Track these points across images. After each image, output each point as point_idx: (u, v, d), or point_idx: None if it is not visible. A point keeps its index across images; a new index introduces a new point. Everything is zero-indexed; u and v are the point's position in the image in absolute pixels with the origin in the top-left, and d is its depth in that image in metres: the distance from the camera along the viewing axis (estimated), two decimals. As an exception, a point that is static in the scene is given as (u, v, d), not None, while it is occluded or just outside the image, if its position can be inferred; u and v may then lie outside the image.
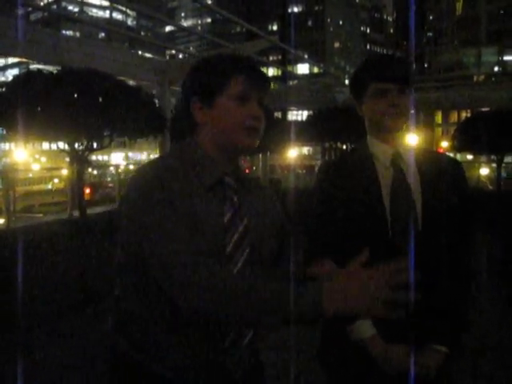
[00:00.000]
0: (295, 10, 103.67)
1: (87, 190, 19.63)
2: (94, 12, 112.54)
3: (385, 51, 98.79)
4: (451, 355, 2.06)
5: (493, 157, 15.68)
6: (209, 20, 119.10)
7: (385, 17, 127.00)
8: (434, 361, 2.03)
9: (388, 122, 2.07)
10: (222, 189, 1.70)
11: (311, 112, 20.15)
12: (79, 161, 9.44)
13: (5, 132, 9.66)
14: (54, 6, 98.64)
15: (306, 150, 46.09)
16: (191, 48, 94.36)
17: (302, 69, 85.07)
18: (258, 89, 1.71)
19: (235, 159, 1.78)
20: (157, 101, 11.02)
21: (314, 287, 1.41)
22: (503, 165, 16.23)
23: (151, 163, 1.72)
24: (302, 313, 1.40)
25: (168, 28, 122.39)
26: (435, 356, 2.04)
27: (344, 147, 18.19)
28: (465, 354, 2.17)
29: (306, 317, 1.40)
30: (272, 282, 1.46)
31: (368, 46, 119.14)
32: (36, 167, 39.98)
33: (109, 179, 29.82)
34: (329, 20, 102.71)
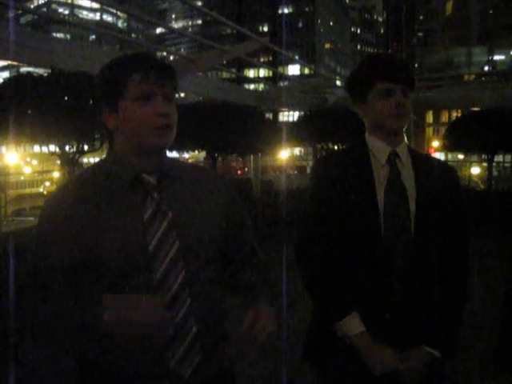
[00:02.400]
0: (286, 11, 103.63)
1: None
2: (85, 14, 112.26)
3: (375, 51, 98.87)
4: (442, 358, 2.05)
5: (484, 156, 15.74)
6: (199, 22, 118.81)
7: (375, 17, 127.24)
8: (424, 363, 2.02)
9: (392, 122, 2.08)
10: (141, 187, 1.69)
11: (302, 113, 20.14)
12: (70, 163, 9.41)
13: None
14: (44, 9, 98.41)
15: (297, 150, 46.09)
16: (182, 50, 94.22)
17: (293, 70, 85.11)
18: (159, 85, 1.67)
19: (156, 157, 1.73)
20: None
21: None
22: (494, 164, 16.30)
23: (64, 184, 1.81)
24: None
25: (158, 30, 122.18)
26: (425, 358, 2.03)
27: (335, 148, 18.20)
28: (456, 357, 2.16)
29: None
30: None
31: (358, 47, 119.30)
32: (27, 170, 39.78)
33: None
34: (319, 21, 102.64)
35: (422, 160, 2.16)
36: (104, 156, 1.82)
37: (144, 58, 1.71)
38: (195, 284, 1.71)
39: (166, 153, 1.81)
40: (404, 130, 2.15)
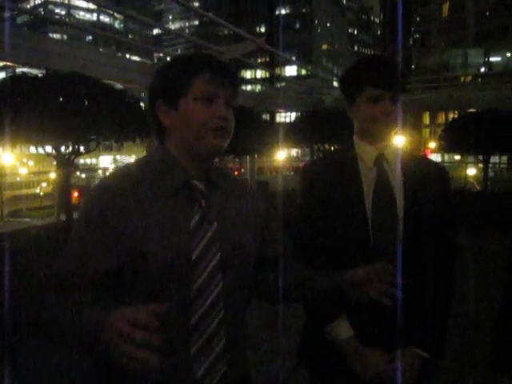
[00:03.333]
0: (283, 11, 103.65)
1: (75, 194, 19.56)
2: (81, 15, 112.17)
3: (372, 52, 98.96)
4: (431, 360, 2.06)
5: (480, 157, 15.78)
6: (196, 22, 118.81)
7: (372, 18, 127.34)
8: (413, 364, 2.03)
9: (378, 128, 2.06)
10: (190, 192, 1.66)
11: (299, 114, 20.16)
12: (66, 164, 9.41)
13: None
14: (41, 9, 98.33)
15: (294, 151, 46.12)
16: (179, 51, 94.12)
17: (290, 71, 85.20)
18: (223, 88, 1.66)
19: (206, 162, 1.71)
20: (143, 104, 11.00)
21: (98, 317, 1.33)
22: (490, 165, 16.33)
23: (111, 174, 1.73)
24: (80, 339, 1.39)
25: (155, 31, 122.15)
26: (414, 359, 2.03)
27: (332, 149, 18.22)
28: (445, 358, 2.16)
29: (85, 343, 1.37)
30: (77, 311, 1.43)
31: (356, 48, 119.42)
32: (23, 171, 39.72)
33: (97, 182, 29.73)
34: (316, 22, 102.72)
35: (411, 161, 2.14)
36: (149, 153, 1.76)
37: (211, 59, 1.69)
38: (231, 296, 1.68)
39: (213, 161, 1.78)
40: (397, 131, 2.13)
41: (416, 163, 2.14)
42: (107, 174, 1.74)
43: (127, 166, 1.74)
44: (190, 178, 1.66)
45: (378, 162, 2.10)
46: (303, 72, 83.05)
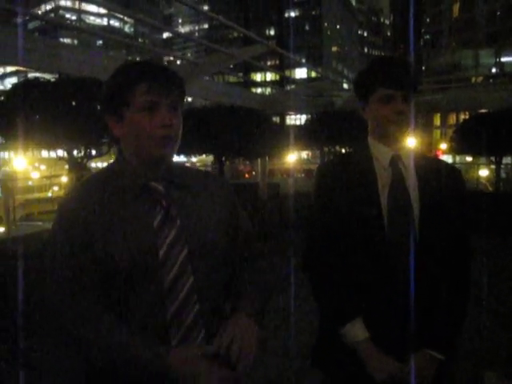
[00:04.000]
0: (292, 14, 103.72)
1: (87, 198, 19.63)
2: (92, 20, 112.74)
3: (382, 54, 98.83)
4: (445, 361, 2.05)
5: (492, 158, 15.69)
6: (206, 26, 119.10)
7: (382, 20, 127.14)
8: (428, 367, 2.02)
9: (392, 128, 2.07)
10: (150, 195, 1.72)
11: (309, 116, 20.13)
12: (78, 168, 9.44)
13: (4, 141, 9.66)
14: (52, 15, 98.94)
15: (304, 154, 46.05)
16: (189, 54, 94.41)
17: (300, 73, 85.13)
18: (165, 94, 1.67)
19: (163, 165, 1.75)
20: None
21: (162, 357, 1.57)
22: (502, 166, 16.24)
23: (74, 188, 1.85)
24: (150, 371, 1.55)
25: (165, 34, 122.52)
26: (429, 362, 2.02)
27: (343, 151, 18.19)
28: (458, 360, 2.16)
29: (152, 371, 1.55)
30: (131, 342, 1.58)
31: (366, 50, 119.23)
32: (35, 175, 39.90)
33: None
34: (326, 24, 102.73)
35: (425, 163, 2.15)
36: (111, 161, 1.83)
37: (149, 67, 1.71)
38: (203, 289, 1.73)
39: (172, 160, 1.82)
40: (408, 133, 2.14)
41: (431, 164, 2.15)
42: (72, 187, 1.84)
43: (88, 179, 1.82)
44: (148, 181, 1.71)
45: (394, 163, 2.10)
46: (313, 74, 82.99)
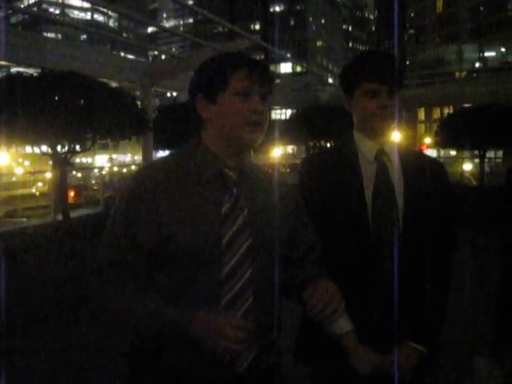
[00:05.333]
0: (277, 9, 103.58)
1: (71, 193, 19.53)
2: (76, 14, 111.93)
3: (367, 49, 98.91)
4: (428, 354, 2.05)
5: (475, 152, 15.79)
6: (191, 20, 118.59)
7: (366, 15, 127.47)
8: (411, 359, 2.02)
9: (376, 122, 2.07)
10: (222, 181, 1.75)
11: (295, 111, 20.16)
12: (62, 164, 9.38)
13: (-14, 136, 9.57)
14: (35, 8, 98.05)
15: (290, 148, 46.11)
16: (173, 49, 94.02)
17: (285, 68, 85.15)
18: (259, 84, 1.74)
19: (240, 153, 1.80)
20: (139, 102, 10.98)
21: (185, 316, 1.62)
22: (486, 160, 16.36)
23: (149, 164, 1.93)
24: (172, 331, 1.64)
25: (150, 29, 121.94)
26: (412, 354, 2.03)
27: (328, 145, 18.22)
28: (441, 352, 2.17)
29: (174, 333, 1.64)
30: (155, 304, 1.66)
31: (350, 44, 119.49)
32: (19, 171, 39.62)
33: (93, 181, 29.59)
34: (311, 19, 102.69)
35: (410, 157, 2.16)
36: (188, 145, 1.86)
37: (248, 57, 1.79)
38: (259, 283, 1.75)
39: (248, 154, 1.88)
40: (392, 127, 2.13)
41: (415, 158, 2.16)
42: (146, 164, 1.86)
43: (164, 157, 1.90)
44: (222, 167, 1.75)
45: (378, 157, 2.10)
46: (298, 69, 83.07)
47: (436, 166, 2.19)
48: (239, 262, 1.70)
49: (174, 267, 1.68)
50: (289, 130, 17.62)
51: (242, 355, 1.70)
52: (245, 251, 1.71)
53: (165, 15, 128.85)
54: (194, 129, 1.84)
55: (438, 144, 16.71)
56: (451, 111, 25.19)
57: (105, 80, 10.46)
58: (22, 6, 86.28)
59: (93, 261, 1.76)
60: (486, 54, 69.84)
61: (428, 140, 37.20)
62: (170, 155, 1.88)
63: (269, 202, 1.84)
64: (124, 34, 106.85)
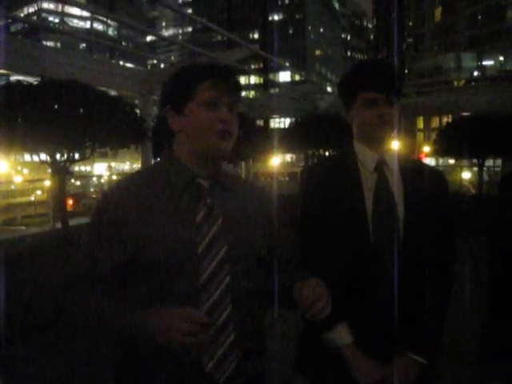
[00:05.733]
0: (276, 18, 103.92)
1: (70, 201, 19.53)
2: (75, 23, 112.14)
3: (365, 58, 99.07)
4: (428, 365, 2.04)
5: (474, 161, 15.82)
6: (190, 29, 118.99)
7: (365, 23, 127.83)
8: (411, 371, 2.01)
9: (375, 131, 2.06)
10: (196, 190, 1.76)
11: (293, 120, 20.17)
12: (61, 172, 9.39)
13: (-15, 144, 9.57)
14: (35, 17, 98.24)
15: (288, 157, 46.13)
16: (172, 57, 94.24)
17: (284, 76, 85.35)
18: (227, 94, 1.76)
19: (211, 163, 1.80)
20: (138, 111, 11.00)
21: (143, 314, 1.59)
22: (485, 168, 16.38)
23: (122, 178, 1.88)
24: (135, 333, 1.59)
25: (149, 38, 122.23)
26: (412, 366, 2.02)
27: (326, 154, 18.23)
28: (440, 363, 2.16)
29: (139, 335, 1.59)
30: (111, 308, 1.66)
31: (349, 53, 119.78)
32: (18, 179, 39.61)
33: (92, 190, 29.62)
34: (309, 28, 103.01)
35: (410, 166, 2.15)
36: (158, 160, 1.88)
37: (215, 66, 1.80)
38: (238, 290, 1.74)
39: (221, 163, 1.88)
40: (392, 136, 2.13)
41: (415, 168, 2.15)
42: (117, 178, 1.87)
43: (138, 170, 1.91)
44: (195, 177, 1.76)
45: (379, 167, 2.10)
46: (297, 78, 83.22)
47: (436, 175, 2.18)
48: (216, 269, 1.69)
49: (150, 278, 1.67)
50: (288, 139, 17.64)
51: (223, 362, 1.69)
52: (221, 259, 1.71)
53: (164, 24, 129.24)
54: (166, 141, 1.85)
55: (437, 152, 16.73)
56: (450, 120, 25.22)
57: (104, 88, 10.46)
58: (22, 15, 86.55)
59: (64, 275, 1.77)
60: (485, 62, 69.97)
61: (427, 148, 37.18)
62: (144, 168, 1.91)
63: (244, 209, 1.84)
64: (123, 43, 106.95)
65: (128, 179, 1.82)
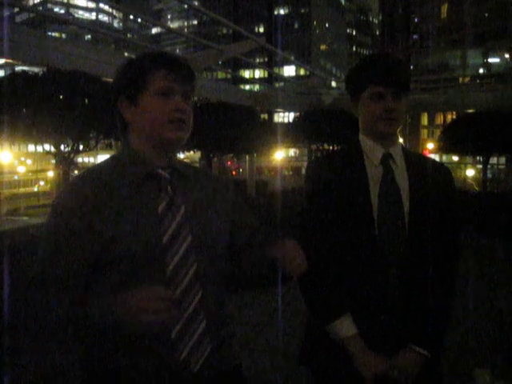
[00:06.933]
0: (281, 12, 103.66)
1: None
2: (81, 14, 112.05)
3: (371, 53, 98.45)
4: (431, 358, 2.05)
5: (478, 158, 15.79)
6: (195, 22, 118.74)
7: (371, 19, 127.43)
8: (414, 363, 2.02)
9: (382, 125, 2.06)
10: (155, 181, 1.74)
11: (298, 114, 20.15)
12: (65, 163, 9.39)
13: (-10, 134, 9.58)
14: (40, 8, 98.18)
15: (292, 151, 46.09)
16: (178, 50, 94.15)
17: (289, 71, 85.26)
18: (180, 82, 1.74)
19: (167, 152, 1.79)
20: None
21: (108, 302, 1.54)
22: (488, 166, 16.35)
23: (81, 174, 1.82)
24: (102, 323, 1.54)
25: (154, 30, 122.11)
26: (415, 358, 2.03)
27: (330, 149, 18.22)
28: (444, 356, 2.16)
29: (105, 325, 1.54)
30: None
31: (354, 48, 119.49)
32: (22, 170, 39.68)
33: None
34: (315, 22, 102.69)
35: (416, 160, 2.16)
36: (117, 151, 1.85)
37: (167, 56, 1.78)
38: (206, 278, 1.75)
39: (176, 153, 1.87)
40: (398, 131, 2.14)
41: (421, 162, 2.16)
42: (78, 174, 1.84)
43: (96, 165, 1.86)
44: (154, 168, 1.74)
45: (385, 161, 2.10)
46: (302, 72, 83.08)
47: (442, 170, 2.18)
48: (182, 259, 1.69)
49: (117, 272, 1.65)
50: (292, 133, 17.64)
51: (196, 350, 1.70)
52: (187, 248, 1.70)
53: (169, 16, 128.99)
54: (121, 133, 1.83)
55: (441, 149, 16.71)
56: (454, 117, 25.17)
57: (109, 79, 10.47)
58: (27, 6, 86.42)
59: (28, 275, 1.72)
60: (490, 59, 69.70)
61: (431, 145, 37.18)
62: (102, 162, 1.84)
63: (205, 197, 1.84)
64: (128, 35, 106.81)
65: (88, 175, 1.78)
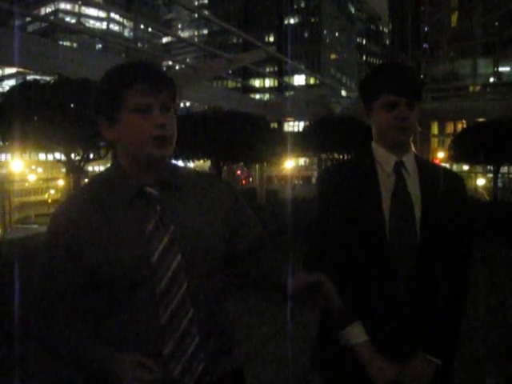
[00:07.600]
0: (292, 21, 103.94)
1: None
2: (92, 23, 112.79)
3: (381, 62, 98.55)
4: (443, 366, 2.03)
5: (489, 167, 15.73)
6: (205, 31, 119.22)
7: (381, 28, 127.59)
8: (425, 371, 2.00)
9: (394, 134, 2.06)
10: (145, 199, 1.70)
11: (308, 123, 20.17)
12: (75, 171, 9.43)
13: (1, 143, 9.64)
14: (52, 17, 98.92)
15: (302, 160, 46.10)
16: (188, 59, 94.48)
17: (299, 80, 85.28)
18: (157, 95, 1.65)
19: (155, 169, 1.72)
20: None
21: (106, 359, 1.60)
22: (499, 175, 16.28)
23: (69, 196, 1.87)
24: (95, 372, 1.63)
25: (165, 39, 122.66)
26: (427, 366, 2.01)
27: (340, 158, 18.21)
28: (455, 365, 2.14)
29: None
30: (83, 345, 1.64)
31: (364, 57, 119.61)
32: (32, 178, 39.88)
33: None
34: (325, 31, 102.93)
35: (428, 169, 2.15)
36: (109, 165, 1.83)
37: (140, 68, 1.70)
38: (198, 295, 1.72)
39: (167, 163, 1.80)
40: (410, 139, 2.13)
41: (433, 171, 2.15)
42: (68, 196, 1.86)
43: (84, 187, 1.85)
44: (142, 186, 1.70)
45: (397, 169, 2.09)
46: (312, 81, 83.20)
47: (455, 179, 2.18)
48: (172, 278, 1.66)
49: (107, 293, 1.66)
50: (302, 142, 17.64)
51: (189, 366, 1.69)
52: (176, 267, 1.67)
53: (180, 26, 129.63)
54: (110, 148, 1.82)
55: (452, 158, 16.66)
56: (465, 126, 25.11)
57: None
58: (39, 15, 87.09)
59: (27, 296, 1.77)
60: (501, 68, 69.57)
61: (441, 154, 37.08)
62: (92, 181, 1.81)
63: (199, 211, 1.78)
64: (139, 44, 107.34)
65: (79, 195, 1.79)
